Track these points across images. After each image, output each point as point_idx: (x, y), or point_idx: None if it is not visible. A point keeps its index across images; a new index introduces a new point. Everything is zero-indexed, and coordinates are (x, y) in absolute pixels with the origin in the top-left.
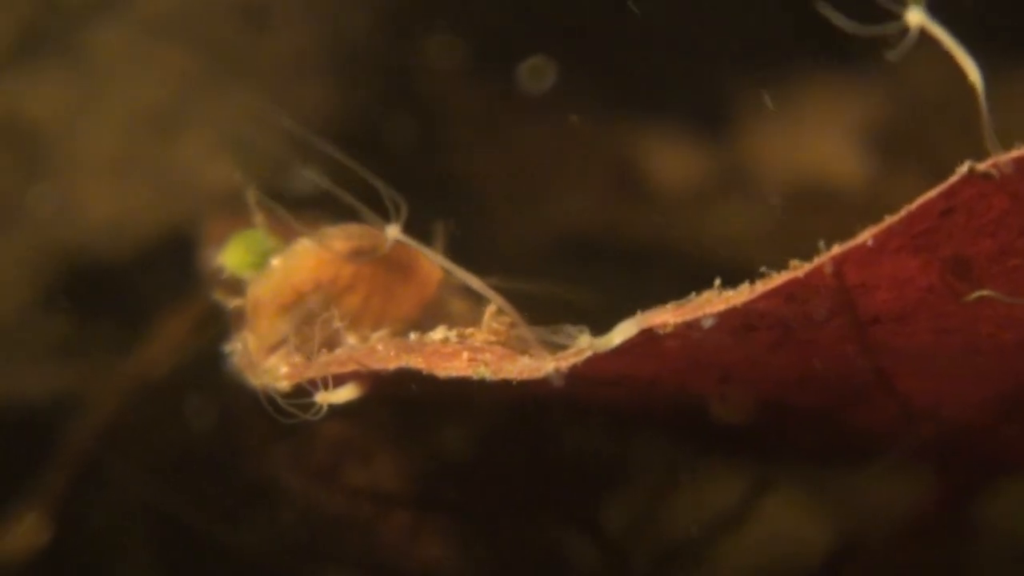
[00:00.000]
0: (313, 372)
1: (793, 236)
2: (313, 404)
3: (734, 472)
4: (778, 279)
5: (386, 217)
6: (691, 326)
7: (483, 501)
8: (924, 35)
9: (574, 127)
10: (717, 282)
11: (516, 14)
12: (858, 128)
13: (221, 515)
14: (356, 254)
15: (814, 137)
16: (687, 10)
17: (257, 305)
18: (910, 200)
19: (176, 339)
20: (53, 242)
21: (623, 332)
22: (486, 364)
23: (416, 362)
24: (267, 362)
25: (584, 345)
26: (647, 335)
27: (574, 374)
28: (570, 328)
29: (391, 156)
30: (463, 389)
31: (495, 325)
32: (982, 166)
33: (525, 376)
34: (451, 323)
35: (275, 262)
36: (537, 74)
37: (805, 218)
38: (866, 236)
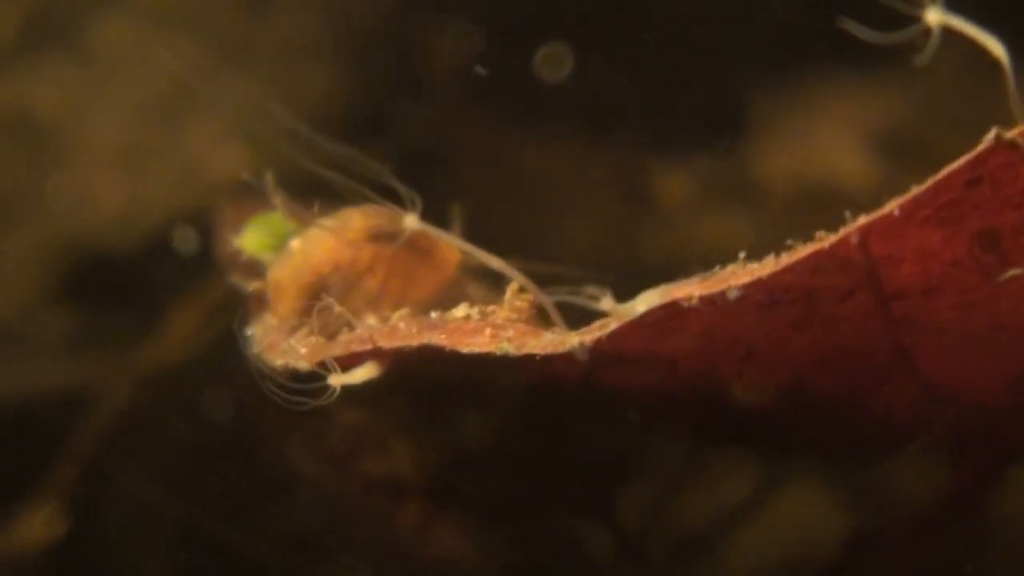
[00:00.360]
0: (334, 351)
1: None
2: (328, 388)
3: (750, 464)
4: (804, 251)
5: (397, 203)
6: (716, 298)
7: (499, 491)
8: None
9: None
10: (742, 255)
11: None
12: (871, 133)
13: (236, 505)
14: (375, 235)
15: (827, 142)
16: (698, 15)
17: (277, 287)
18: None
19: (189, 329)
20: (63, 235)
21: (647, 300)
22: (509, 340)
23: (439, 339)
24: (288, 343)
25: (607, 307)
26: (671, 308)
27: (598, 349)
28: (592, 289)
29: (397, 140)
30: (481, 373)
31: (517, 303)
32: (1009, 134)
33: (549, 351)
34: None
35: (294, 244)
36: (549, 61)
37: (816, 224)
38: (892, 206)
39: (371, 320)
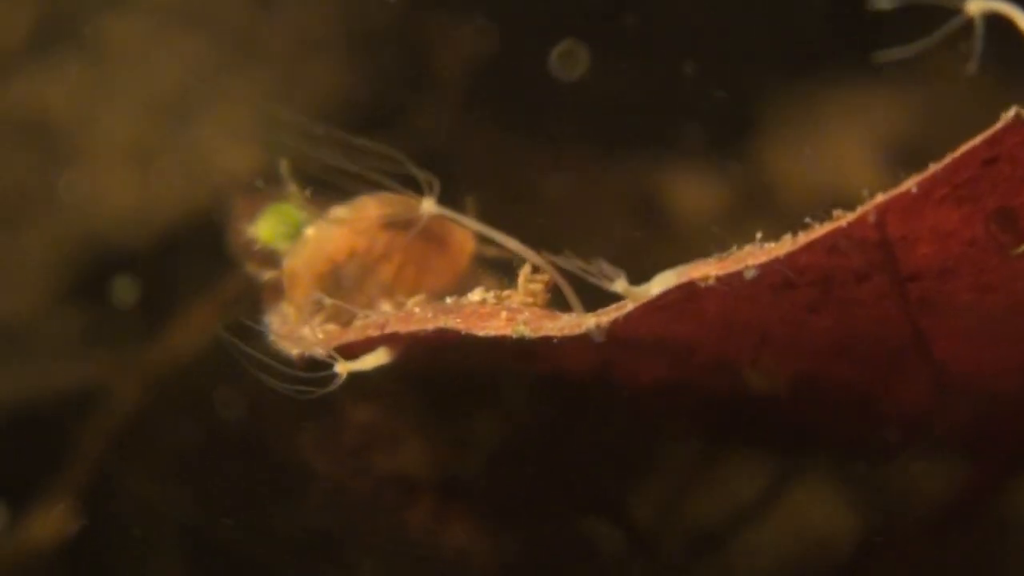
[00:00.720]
0: (350, 337)
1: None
2: (340, 377)
3: (762, 461)
4: (821, 230)
5: (412, 192)
6: (732, 278)
7: (511, 488)
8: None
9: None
10: (759, 235)
11: None
12: (882, 139)
13: (247, 502)
14: (390, 223)
15: (838, 149)
16: (708, 21)
17: (292, 276)
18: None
19: (201, 326)
20: (75, 233)
21: (663, 281)
22: (525, 322)
23: (454, 322)
24: (303, 331)
25: (621, 288)
26: (688, 289)
27: (613, 335)
28: (606, 266)
29: (406, 134)
30: (494, 364)
31: (531, 286)
32: None
33: (566, 332)
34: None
35: (309, 232)
36: (561, 61)
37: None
38: (910, 184)
39: (386, 307)
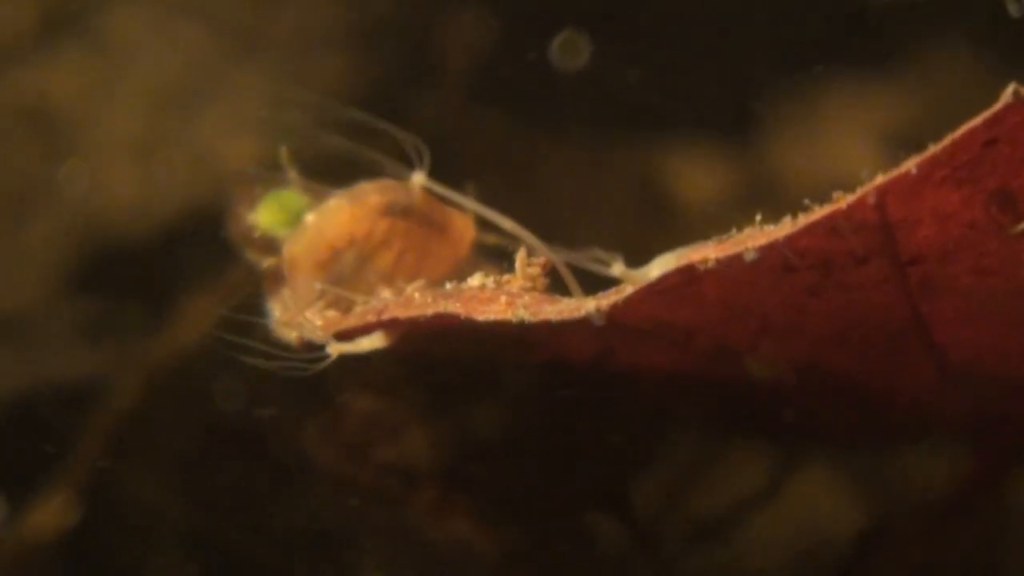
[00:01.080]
0: (350, 321)
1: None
2: (338, 358)
3: (764, 452)
4: (821, 211)
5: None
6: (732, 261)
7: (512, 479)
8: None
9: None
10: (758, 217)
11: None
12: (883, 132)
13: (250, 493)
14: (390, 208)
15: (839, 142)
16: (709, 15)
17: (292, 262)
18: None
19: (204, 318)
20: (79, 224)
21: (662, 264)
22: (525, 306)
23: (454, 307)
24: (304, 316)
25: (619, 272)
26: (687, 272)
27: (613, 319)
28: (601, 253)
29: (409, 124)
30: (494, 352)
31: (530, 271)
32: None
33: (565, 316)
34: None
35: (309, 218)
36: (564, 52)
37: None
38: (910, 165)
39: (386, 293)
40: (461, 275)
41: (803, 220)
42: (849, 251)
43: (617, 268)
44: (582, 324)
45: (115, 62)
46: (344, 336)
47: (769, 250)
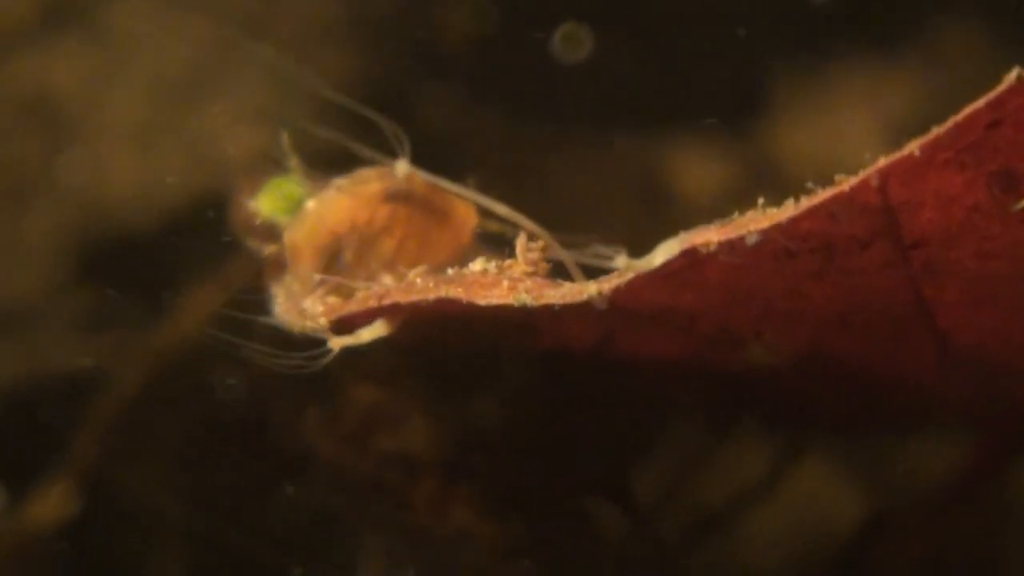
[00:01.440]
0: (352, 307)
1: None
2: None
3: (766, 441)
4: (823, 194)
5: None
6: (735, 244)
7: (513, 469)
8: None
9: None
10: (760, 201)
11: None
12: (891, 117)
13: (251, 483)
14: (391, 195)
15: (845, 128)
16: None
17: (294, 249)
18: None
19: (206, 308)
20: (80, 214)
21: (666, 251)
22: (527, 290)
23: (456, 292)
24: (305, 304)
25: (622, 264)
26: (690, 256)
27: (615, 304)
28: (601, 247)
29: (413, 121)
30: (496, 338)
31: (530, 255)
32: None
33: (568, 300)
34: None
35: (310, 205)
36: (567, 42)
37: None
38: (913, 146)
39: (387, 279)
40: (463, 262)
41: (805, 203)
42: (851, 235)
43: (621, 260)
44: (584, 308)
45: (116, 52)
46: (345, 321)
47: (771, 233)
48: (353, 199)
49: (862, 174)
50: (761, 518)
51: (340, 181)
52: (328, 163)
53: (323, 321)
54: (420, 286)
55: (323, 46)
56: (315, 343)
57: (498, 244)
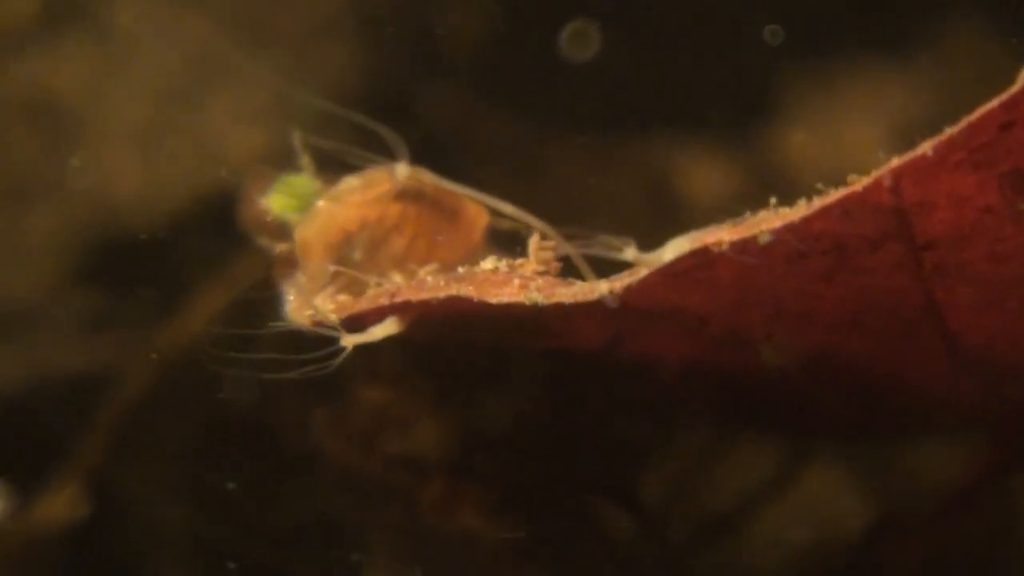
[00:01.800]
0: (362, 305)
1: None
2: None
3: (774, 444)
4: (836, 194)
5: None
6: (747, 244)
7: (521, 470)
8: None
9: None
10: (773, 200)
11: None
12: (900, 119)
13: (259, 484)
14: (402, 193)
15: (854, 130)
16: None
17: (304, 246)
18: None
19: (213, 308)
20: (84, 215)
21: (676, 248)
22: (538, 289)
23: (467, 290)
24: (316, 302)
25: (632, 257)
26: (701, 255)
27: (626, 303)
28: (610, 239)
29: (416, 119)
30: (504, 339)
31: (543, 254)
32: None
33: (579, 299)
34: None
35: (321, 203)
36: (573, 41)
37: None
38: (925, 147)
39: (397, 278)
40: (473, 261)
41: (818, 203)
42: (863, 235)
43: (630, 252)
44: (595, 307)
45: (119, 52)
46: (356, 320)
47: (783, 233)
48: (364, 197)
49: (874, 174)
50: (769, 520)
51: (351, 179)
52: (338, 162)
53: (334, 319)
54: (431, 284)
55: (328, 42)
56: (326, 342)
57: (509, 243)
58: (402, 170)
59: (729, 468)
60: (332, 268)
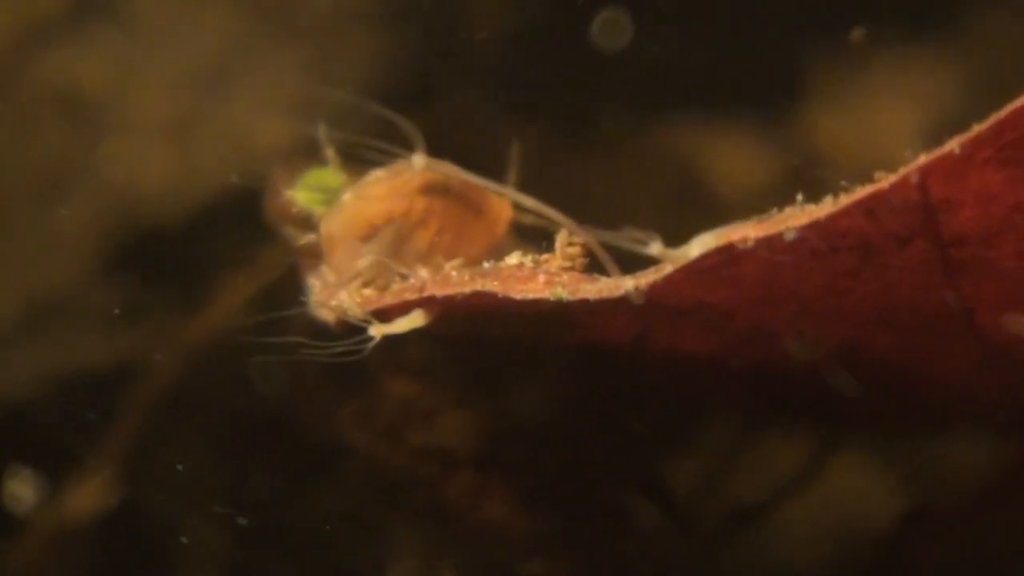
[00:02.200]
0: (388, 299)
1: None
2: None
3: (802, 437)
4: (862, 192)
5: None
6: (773, 240)
7: (549, 463)
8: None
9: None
10: (799, 197)
11: None
12: (933, 104)
13: (287, 475)
14: (428, 187)
15: (885, 115)
16: None
17: (330, 239)
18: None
19: (239, 300)
20: (112, 206)
21: (701, 244)
22: (563, 285)
23: (492, 285)
24: (341, 295)
25: (657, 252)
26: (727, 252)
27: (652, 299)
28: (637, 232)
29: (442, 111)
30: (532, 333)
31: (569, 250)
32: None
33: (604, 295)
34: None
35: (347, 196)
36: (603, 29)
37: None
38: (953, 144)
39: (423, 272)
40: (498, 256)
41: (844, 200)
42: (890, 232)
43: (656, 248)
44: (620, 303)
45: (146, 43)
46: (381, 315)
47: (809, 230)
48: (390, 191)
49: (901, 171)
50: (797, 513)
51: (377, 172)
52: (363, 155)
53: (360, 312)
54: (456, 279)
55: (353, 32)
56: (352, 333)
57: (534, 238)
58: (420, 161)
59: (757, 461)
60: (358, 262)
